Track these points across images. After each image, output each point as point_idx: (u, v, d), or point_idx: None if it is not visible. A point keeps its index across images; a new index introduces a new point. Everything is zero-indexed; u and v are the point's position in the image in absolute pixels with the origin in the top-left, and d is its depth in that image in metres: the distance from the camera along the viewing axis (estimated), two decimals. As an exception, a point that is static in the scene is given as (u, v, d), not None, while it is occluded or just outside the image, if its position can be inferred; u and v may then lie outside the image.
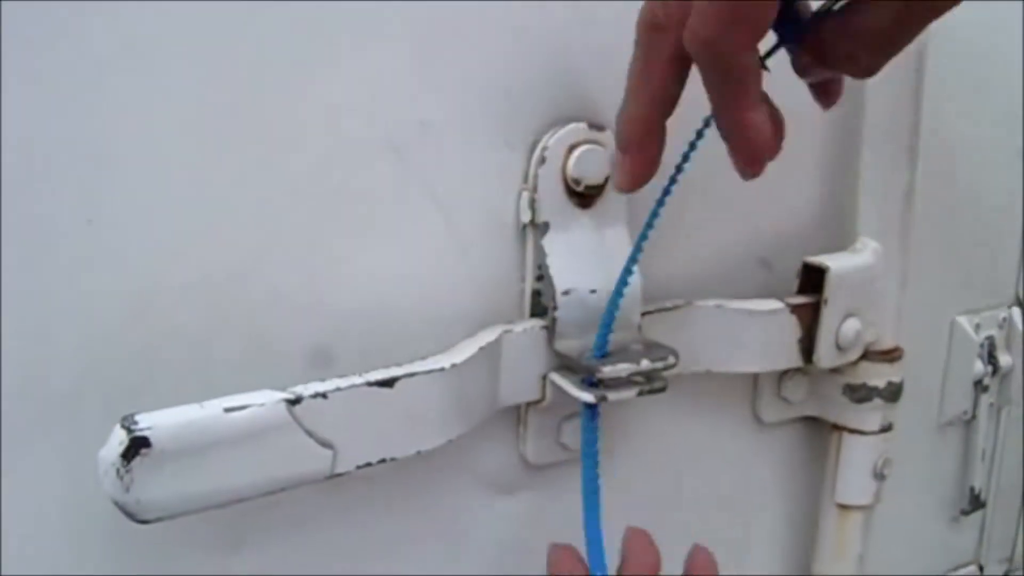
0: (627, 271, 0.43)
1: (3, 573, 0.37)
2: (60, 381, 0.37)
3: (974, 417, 0.68)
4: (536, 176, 0.44)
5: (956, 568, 0.73)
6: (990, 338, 0.67)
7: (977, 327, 0.66)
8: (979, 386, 0.68)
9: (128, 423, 0.34)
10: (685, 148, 0.40)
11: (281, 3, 0.38)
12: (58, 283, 0.36)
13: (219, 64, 0.37)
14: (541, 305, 0.45)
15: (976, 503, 0.70)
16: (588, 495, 0.43)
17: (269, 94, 0.39)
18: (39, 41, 0.34)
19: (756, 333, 0.51)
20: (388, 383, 0.39)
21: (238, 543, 0.41)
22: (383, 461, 0.39)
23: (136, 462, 0.33)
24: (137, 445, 0.33)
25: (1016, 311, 0.69)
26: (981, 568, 0.74)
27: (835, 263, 0.52)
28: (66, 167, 0.35)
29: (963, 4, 0.36)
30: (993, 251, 0.68)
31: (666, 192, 0.41)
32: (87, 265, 0.36)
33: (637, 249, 0.43)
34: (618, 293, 0.43)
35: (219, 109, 0.38)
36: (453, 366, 0.40)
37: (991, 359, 0.67)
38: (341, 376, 0.38)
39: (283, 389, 0.37)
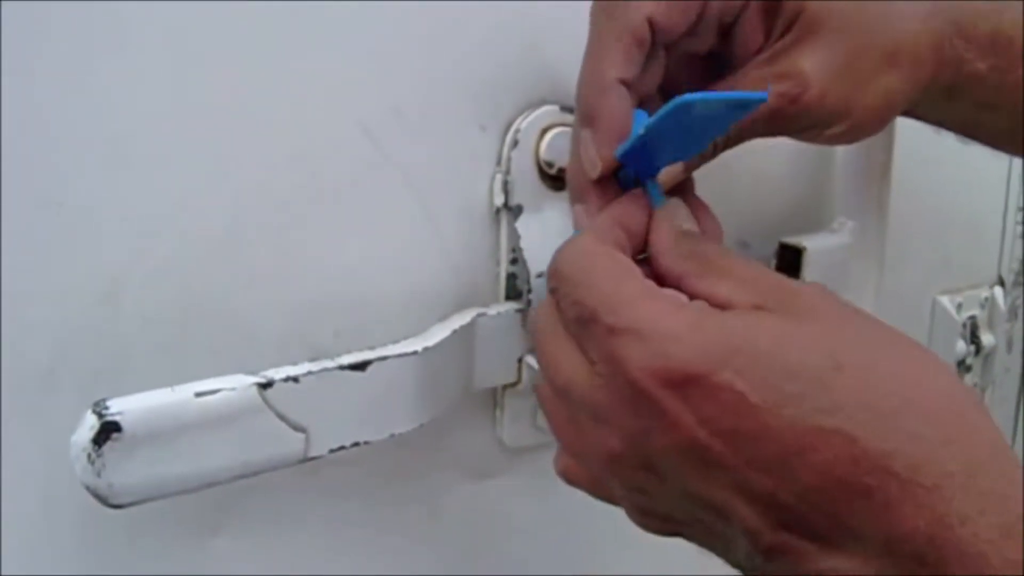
0: None
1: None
2: (33, 367, 0.37)
3: (957, 397, 0.68)
4: (509, 159, 0.44)
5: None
6: (972, 318, 0.67)
7: (959, 307, 0.67)
8: (962, 366, 0.68)
9: (99, 408, 0.34)
10: None
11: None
12: (29, 269, 0.36)
13: (190, 49, 0.37)
14: (516, 288, 0.46)
15: (961, 483, 0.70)
16: None
17: (240, 80, 0.39)
18: (9, 30, 0.34)
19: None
20: (360, 367, 0.39)
21: (216, 528, 0.42)
22: (356, 444, 0.39)
23: (107, 447, 0.34)
24: (108, 430, 0.34)
25: (998, 290, 0.69)
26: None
27: (812, 243, 0.52)
28: (35, 152, 0.35)
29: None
30: (975, 230, 0.68)
31: None
32: (58, 251, 0.36)
33: None
34: None
35: (191, 94, 0.38)
36: (425, 349, 0.40)
37: (974, 339, 0.68)
38: (314, 360, 0.38)
39: (256, 373, 0.37)
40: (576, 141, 0.37)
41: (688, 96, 0.30)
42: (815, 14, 0.37)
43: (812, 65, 0.37)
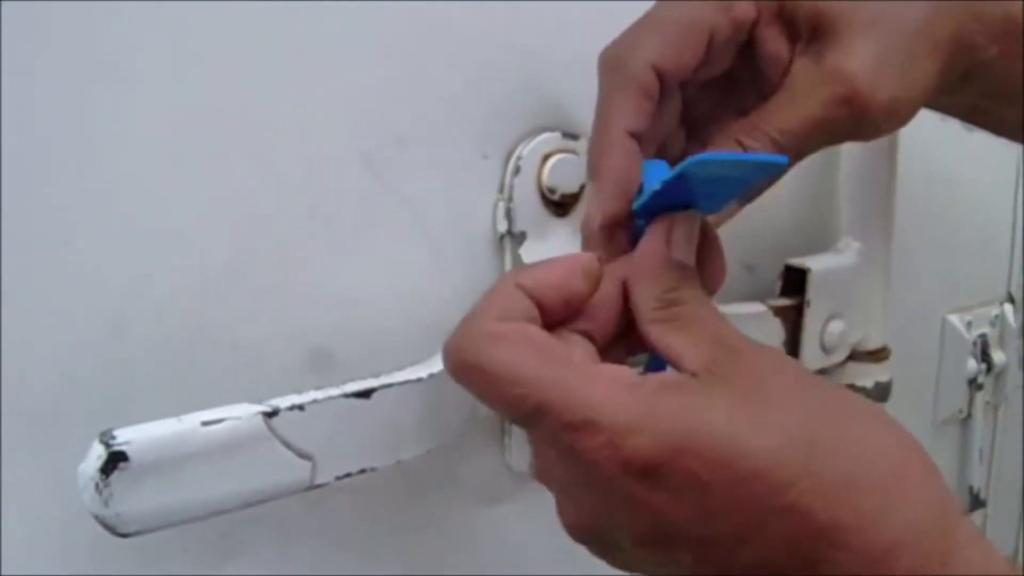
0: None
1: (-9, 586, 0.38)
2: (41, 397, 0.37)
3: (970, 416, 0.68)
4: (511, 186, 0.45)
5: (958, 568, 0.73)
6: (983, 336, 0.67)
7: (969, 325, 0.66)
8: (973, 384, 0.67)
9: (106, 438, 0.34)
10: None
11: (254, 23, 0.38)
12: (36, 300, 0.36)
13: (194, 81, 0.38)
14: (521, 313, 0.46)
15: (975, 503, 0.70)
16: None
17: (244, 111, 0.39)
18: (14, 59, 0.35)
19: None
20: (365, 394, 0.39)
21: (224, 556, 0.42)
22: (363, 471, 0.39)
23: (115, 476, 0.34)
24: (115, 459, 0.34)
25: (1008, 308, 0.68)
26: (984, 568, 0.74)
27: (816, 264, 0.52)
28: (41, 183, 0.36)
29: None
30: (983, 248, 0.67)
31: None
32: (65, 281, 0.37)
33: None
34: None
35: (195, 125, 0.38)
36: (430, 376, 0.40)
37: (984, 357, 0.67)
38: (319, 388, 0.39)
39: (261, 401, 0.37)
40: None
41: (702, 157, 0.30)
42: (836, 12, 0.36)
43: (858, 63, 0.36)
